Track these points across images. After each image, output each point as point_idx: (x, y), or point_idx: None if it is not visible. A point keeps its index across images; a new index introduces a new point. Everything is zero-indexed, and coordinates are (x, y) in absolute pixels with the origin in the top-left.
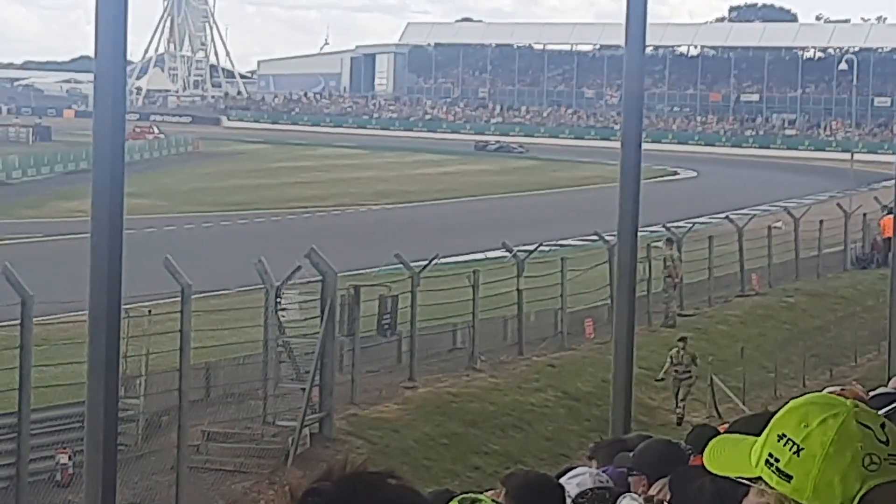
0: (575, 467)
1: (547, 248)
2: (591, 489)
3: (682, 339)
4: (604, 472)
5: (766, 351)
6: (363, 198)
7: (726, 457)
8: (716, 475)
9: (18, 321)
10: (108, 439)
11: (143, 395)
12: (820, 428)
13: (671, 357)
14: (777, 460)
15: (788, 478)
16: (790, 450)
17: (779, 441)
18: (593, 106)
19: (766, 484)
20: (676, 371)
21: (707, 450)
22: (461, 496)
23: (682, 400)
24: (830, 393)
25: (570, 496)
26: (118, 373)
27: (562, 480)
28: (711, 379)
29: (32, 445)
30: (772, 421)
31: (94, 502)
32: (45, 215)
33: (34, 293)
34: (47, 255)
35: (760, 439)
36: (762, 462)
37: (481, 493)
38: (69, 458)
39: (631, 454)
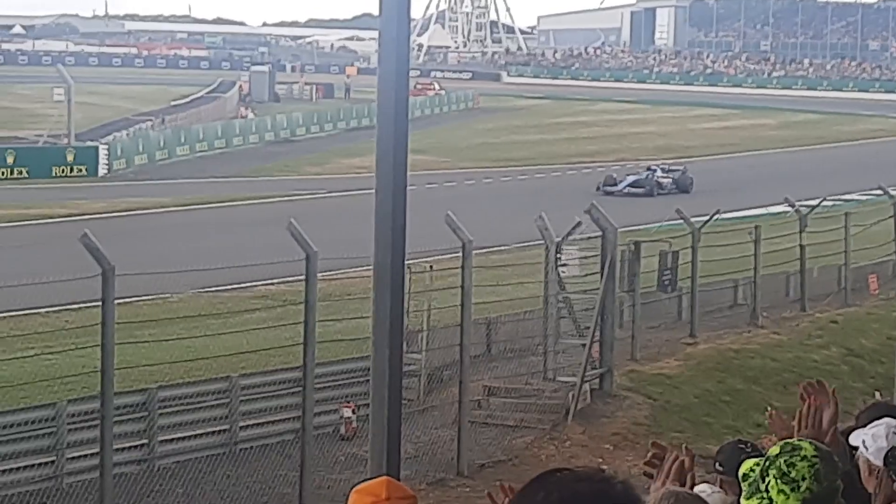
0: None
1: (830, 203)
2: None
3: None
4: None
5: None
6: (643, 153)
7: None
8: None
9: (303, 277)
10: (393, 393)
11: (425, 350)
12: None
13: None
14: None
15: None
16: None
17: None
18: (878, 58)
19: None
20: None
21: None
22: (783, 441)
23: None
24: None
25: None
26: (402, 328)
27: (855, 434)
28: None
29: (317, 399)
30: None
31: (379, 455)
32: (329, 172)
33: (318, 249)
34: (330, 211)
35: None
36: None
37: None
38: (353, 411)
39: None
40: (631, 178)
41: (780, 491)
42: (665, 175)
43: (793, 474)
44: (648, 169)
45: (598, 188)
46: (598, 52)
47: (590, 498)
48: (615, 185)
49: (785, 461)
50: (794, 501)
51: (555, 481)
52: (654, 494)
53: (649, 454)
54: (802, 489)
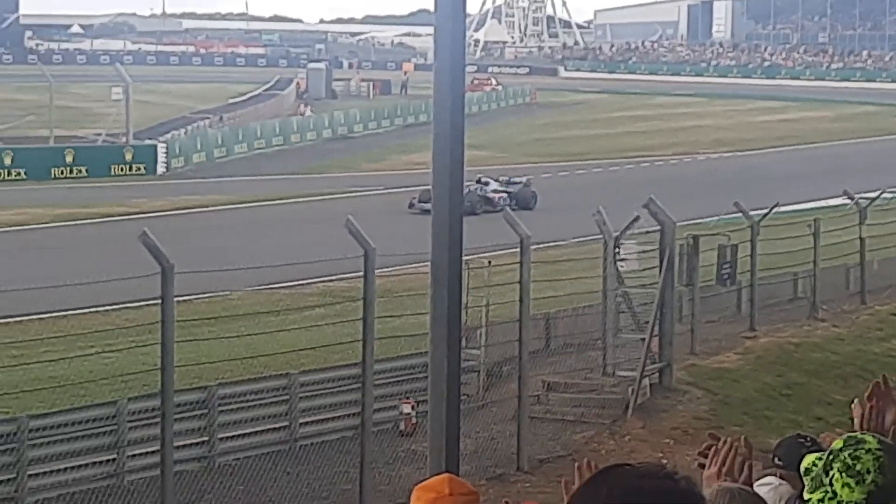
0: None
1: (890, 195)
2: None
3: None
4: None
5: None
6: (701, 146)
7: None
8: None
9: (361, 273)
10: (452, 389)
11: (483, 346)
12: None
13: None
14: None
15: None
16: None
17: None
18: None
19: None
20: None
21: None
22: (846, 435)
23: None
24: None
25: None
26: (460, 324)
27: None
28: None
29: (376, 396)
30: None
31: (438, 451)
32: (386, 168)
33: (376, 245)
34: (388, 208)
35: None
36: None
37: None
38: (412, 407)
39: None
40: None
41: (845, 484)
42: (499, 190)
43: (858, 467)
44: (478, 182)
45: (410, 205)
46: (656, 45)
47: (653, 494)
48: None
49: (849, 454)
50: (859, 495)
51: (617, 477)
52: (707, 483)
53: (704, 445)
54: (867, 482)
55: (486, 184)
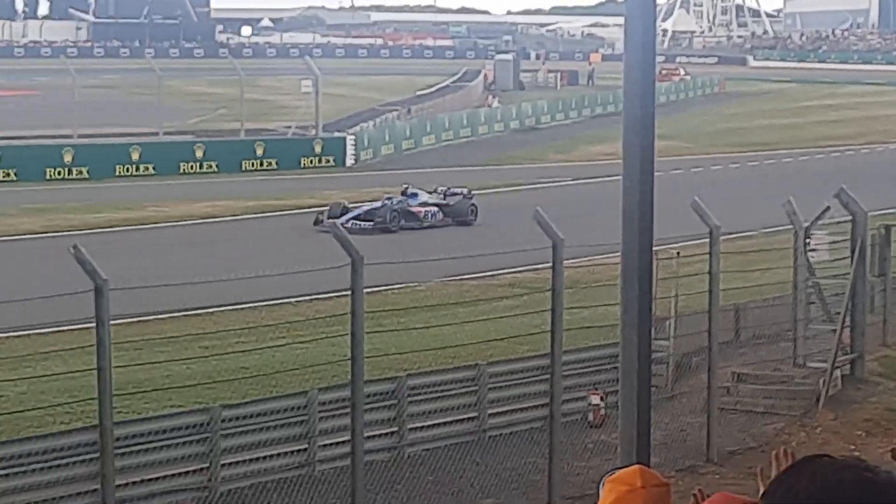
0: None
1: None
2: None
3: None
4: None
5: None
6: (892, 136)
7: None
8: None
9: (550, 264)
10: (642, 380)
11: (672, 337)
12: None
13: None
14: None
15: None
16: None
17: None
18: None
19: None
20: None
21: None
22: None
23: None
24: None
25: None
26: (650, 315)
27: None
28: None
29: (565, 386)
30: None
31: (629, 442)
32: (573, 159)
33: (564, 237)
34: (577, 199)
35: None
36: None
37: None
38: (601, 398)
39: None
40: (366, 207)
41: None
42: (428, 203)
43: None
44: (403, 193)
45: (317, 221)
46: (846, 34)
47: (853, 487)
48: (342, 216)
49: None
50: None
51: (816, 468)
52: None
53: None
54: None
55: (414, 196)
